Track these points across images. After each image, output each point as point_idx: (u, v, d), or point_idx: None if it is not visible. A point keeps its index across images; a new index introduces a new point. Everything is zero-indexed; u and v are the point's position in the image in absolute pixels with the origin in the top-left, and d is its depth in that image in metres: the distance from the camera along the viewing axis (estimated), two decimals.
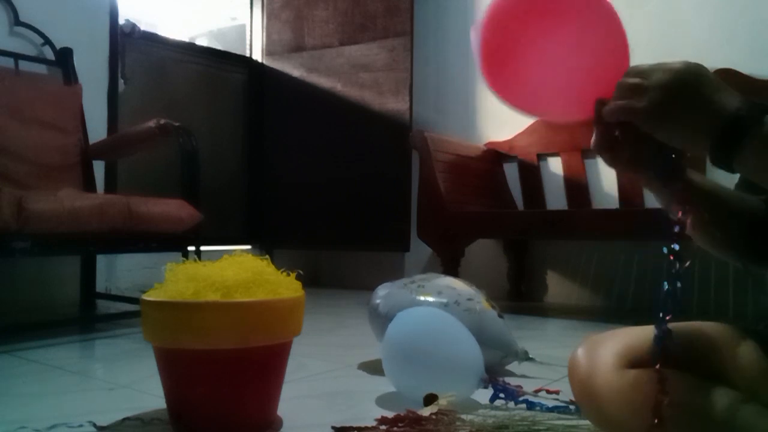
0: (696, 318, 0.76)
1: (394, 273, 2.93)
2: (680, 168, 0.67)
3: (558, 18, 0.70)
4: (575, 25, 0.70)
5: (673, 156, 0.66)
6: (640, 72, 0.64)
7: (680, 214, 0.66)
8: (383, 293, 1.53)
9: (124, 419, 1.07)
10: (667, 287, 0.63)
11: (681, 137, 0.62)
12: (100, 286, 2.49)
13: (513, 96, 0.75)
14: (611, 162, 0.70)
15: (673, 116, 0.61)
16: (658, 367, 0.63)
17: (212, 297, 0.98)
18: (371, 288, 1.62)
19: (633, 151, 0.68)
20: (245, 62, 3.52)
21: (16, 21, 2.36)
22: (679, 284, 0.63)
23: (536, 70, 0.71)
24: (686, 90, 0.61)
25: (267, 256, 1.09)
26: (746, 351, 0.68)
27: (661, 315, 0.63)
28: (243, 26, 3.65)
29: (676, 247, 0.64)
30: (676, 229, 0.65)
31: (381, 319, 1.45)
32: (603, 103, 0.67)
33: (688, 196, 0.69)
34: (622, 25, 0.71)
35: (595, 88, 0.69)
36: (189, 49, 3.38)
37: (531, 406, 1.11)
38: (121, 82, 2.74)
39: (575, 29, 0.70)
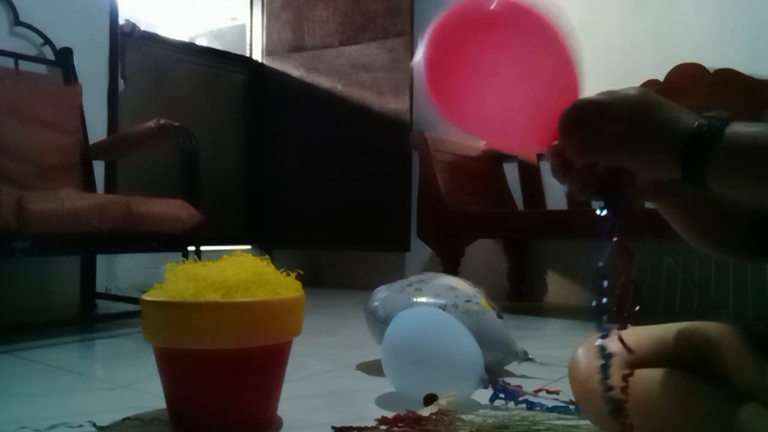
0: (696, 318, 0.76)
1: (394, 273, 2.92)
2: (623, 207, 0.68)
3: (504, 43, 0.68)
4: (522, 48, 0.68)
5: (619, 198, 0.66)
6: (594, 108, 0.62)
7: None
8: (381, 297, 1.52)
9: (124, 419, 1.07)
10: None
11: (646, 164, 0.62)
12: (100, 286, 2.49)
13: (460, 121, 0.75)
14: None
15: (637, 145, 0.60)
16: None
17: (212, 297, 0.98)
18: (371, 288, 1.62)
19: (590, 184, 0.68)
20: (245, 62, 3.52)
21: (16, 21, 2.36)
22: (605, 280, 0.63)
23: (483, 95, 0.69)
24: (644, 117, 0.60)
25: (267, 256, 1.09)
26: (746, 351, 0.68)
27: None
28: (243, 26, 3.65)
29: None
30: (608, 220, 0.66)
31: (379, 324, 1.45)
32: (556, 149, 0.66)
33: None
34: (573, 48, 0.70)
35: (544, 114, 0.67)
36: (189, 49, 3.38)
37: (531, 406, 1.11)
38: (121, 82, 2.74)
39: (522, 53, 0.68)
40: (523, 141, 0.76)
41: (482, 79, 0.68)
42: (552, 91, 0.67)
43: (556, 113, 0.65)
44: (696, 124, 0.58)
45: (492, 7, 0.70)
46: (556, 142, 0.66)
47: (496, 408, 1.12)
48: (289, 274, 1.09)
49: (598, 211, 0.67)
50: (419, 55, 0.71)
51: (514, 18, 0.69)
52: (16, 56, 2.28)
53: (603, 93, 0.63)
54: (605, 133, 0.61)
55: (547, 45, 0.69)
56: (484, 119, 0.73)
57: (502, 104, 0.69)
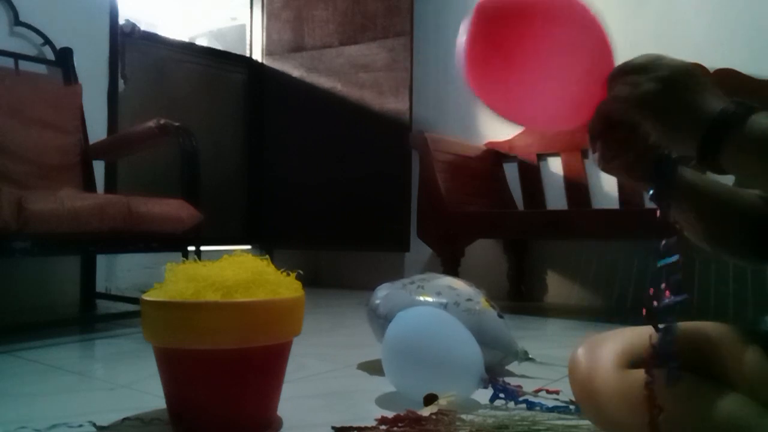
0: (696, 318, 0.76)
1: (394, 273, 2.93)
2: (674, 179, 0.68)
3: (543, 26, 0.70)
4: (560, 33, 0.70)
5: (670, 166, 0.67)
6: (639, 64, 0.64)
7: (661, 213, 0.67)
8: (383, 294, 1.53)
9: (124, 419, 1.07)
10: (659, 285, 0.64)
11: (667, 133, 0.63)
12: (100, 286, 2.49)
13: (500, 104, 0.75)
14: (607, 166, 0.71)
15: (662, 111, 0.62)
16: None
17: (212, 297, 0.98)
18: (371, 288, 1.62)
19: (631, 156, 0.69)
20: (245, 62, 3.52)
21: (16, 21, 2.36)
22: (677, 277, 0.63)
23: (523, 78, 0.71)
24: (677, 87, 0.61)
25: (267, 256, 1.09)
26: (747, 351, 0.68)
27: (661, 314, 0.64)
28: (243, 26, 3.65)
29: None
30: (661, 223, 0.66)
31: (381, 320, 1.45)
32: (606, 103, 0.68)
33: (675, 197, 0.70)
34: (606, 33, 0.72)
35: (581, 95, 0.69)
36: (189, 49, 3.37)
37: (531, 406, 1.11)
38: (121, 82, 2.74)
39: (560, 38, 0.70)
40: (566, 119, 0.77)
41: (524, 62, 0.70)
42: (590, 68, 0.69)
43: (594, 89, 0.66)
44: (721, 109, 0.59)
45: None
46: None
47: (496, 408, 1.12)
48: (289, 274, 1.09)
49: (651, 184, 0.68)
50: (460, 40, 0.72)
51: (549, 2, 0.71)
52: (16, 56, 2.28)
53: (652, 56, 0.64)
54: (641, 89, 0.62)
55: (584, 24, 0.70)
56: (527, 102, 0.74)
57: (544, 86, 0.70)
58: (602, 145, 0.71)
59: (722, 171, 0.60)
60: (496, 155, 3.00)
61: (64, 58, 2.43)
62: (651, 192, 0.69)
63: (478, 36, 0.71)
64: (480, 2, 0.72)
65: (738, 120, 0.58)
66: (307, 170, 3.34)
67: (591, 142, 0.72)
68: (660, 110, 0.62)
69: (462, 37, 0.71)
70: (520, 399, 1.13)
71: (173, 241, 2.03)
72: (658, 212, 0.67)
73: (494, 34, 0.71)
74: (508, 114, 0.77)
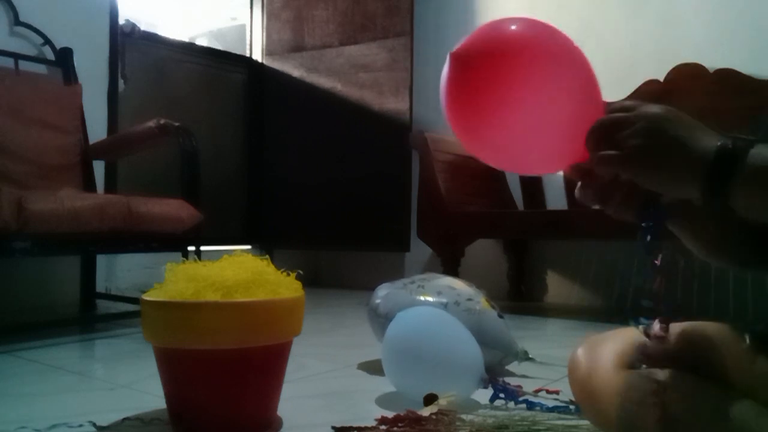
0: (696, 318, 0.76)
1: (394, 273, 2.93)
2: (665, 219, 0.68)
3: (530, 72, 0.68)
4: (548, 78, 0.68)
5: (658, 208, 0.66)
6: (613, 121, 0.63)
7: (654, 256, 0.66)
8: (383, 294, 1.53)
9: (124, 419, 1.07)
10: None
11: (664, 182, 0.61)
12: (100, 286, 2.49)
13: (480, 153, 0.74)
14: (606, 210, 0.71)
15: (654, 162, 0.60)
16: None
17: (212, 297, 0.98)
18: (371, 288, 1.62)
19: (617, 198, 0.68)
20: (245, 62, 3.52)
21: (16, 21, 2.36)
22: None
23: (502, 129, 0.69)
24: (663, 134, 0.60)
25: (267, 256, 1.09)
26: (747, 351, 0.68)
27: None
28: (243, 26, 3.65)
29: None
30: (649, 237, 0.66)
31: (381, 320, 1.45)
32: (578, 166, 0.67)
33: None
34: (594, 74, 0.70)
35: (569, 142, 0.67)
36: (189, 49, 3.38)
37: (531, 406, 1.11)
38: (121, 82, 2.74)
39: (548, 82, 0.68)
40: (550, 165, 0.76)
41: (507, 107, 0.68)
42: (577, 112, 0.67)
43: (582, 134, 0.65)
44: (719, 143, 0.57)
45: (513, 29, 0.69)
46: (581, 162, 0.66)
47: (496, 408, 1.12)
48: (289, 274, 1.09)
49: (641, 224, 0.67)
50: (442, 84, 0.70)
51: (536, 40, 0.69)
52: (16, 56, 2.28)
53: (627, 106, 0.63)
54: (623, 148, 0.61)
55: (571, 66, 0.69)
56: (510, 148, 0.72)
57: (529, 132, 0.68)
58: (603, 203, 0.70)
59: (728, 209, 0.58)
60: None
61: (64, 58, 2.43)
62: (642, 235, 0.68)
63: (455, 85, 0.70)
64: (453, 51, 0.70)
65: (742, 151, 0.56)
66: (307, 170, 3.34)
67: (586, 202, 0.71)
68: (655, 162, 0.60)
69: (443, 84, 0.70)
70: (520, 399, 1.13)
71: (173, 241, 2.03)
72: (649, 252, 0.67)
73: (470, 83, 0.69)
74: (490, 162, 0.76)
